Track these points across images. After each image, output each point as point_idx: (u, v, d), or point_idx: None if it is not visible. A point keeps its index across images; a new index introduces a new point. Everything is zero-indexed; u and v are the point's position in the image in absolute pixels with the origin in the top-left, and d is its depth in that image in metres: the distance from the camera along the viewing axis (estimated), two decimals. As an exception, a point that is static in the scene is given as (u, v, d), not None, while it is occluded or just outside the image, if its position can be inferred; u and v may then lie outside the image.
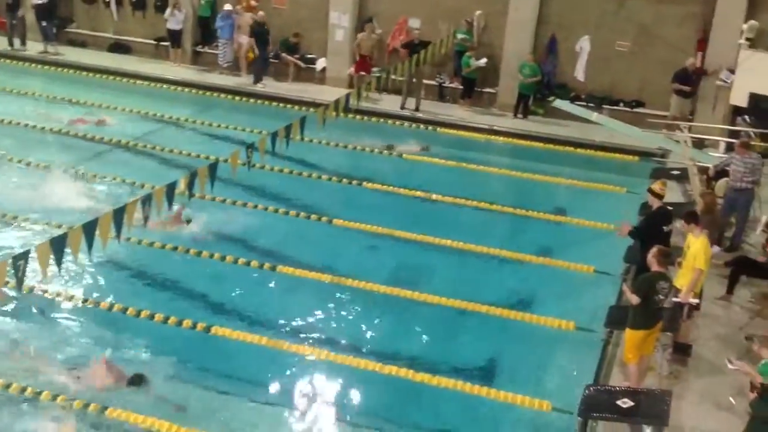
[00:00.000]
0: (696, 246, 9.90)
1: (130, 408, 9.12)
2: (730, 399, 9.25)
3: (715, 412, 9.13)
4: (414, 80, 19.53)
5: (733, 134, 16.01)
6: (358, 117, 18.41)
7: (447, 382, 9.96)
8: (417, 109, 19.79)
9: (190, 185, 10.69)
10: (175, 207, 11.88)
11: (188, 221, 13.58)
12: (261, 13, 20.88)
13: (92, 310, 11.21)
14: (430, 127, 19.18)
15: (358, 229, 13.93)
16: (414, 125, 19.31)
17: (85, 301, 11.36)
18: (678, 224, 11.15)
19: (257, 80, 20.88)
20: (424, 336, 11.22)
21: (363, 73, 20.45)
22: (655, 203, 10.87)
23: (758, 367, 7.54)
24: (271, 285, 12.26)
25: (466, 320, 11.48)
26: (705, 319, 10.97)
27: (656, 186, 10.98)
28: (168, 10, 21.77)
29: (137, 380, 9.60)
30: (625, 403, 8.15)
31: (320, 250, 13.27)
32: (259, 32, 20.74)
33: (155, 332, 10.79)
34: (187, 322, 10.84)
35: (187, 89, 20.84)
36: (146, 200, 9.82)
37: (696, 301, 10.04)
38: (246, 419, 9.33)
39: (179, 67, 22.10)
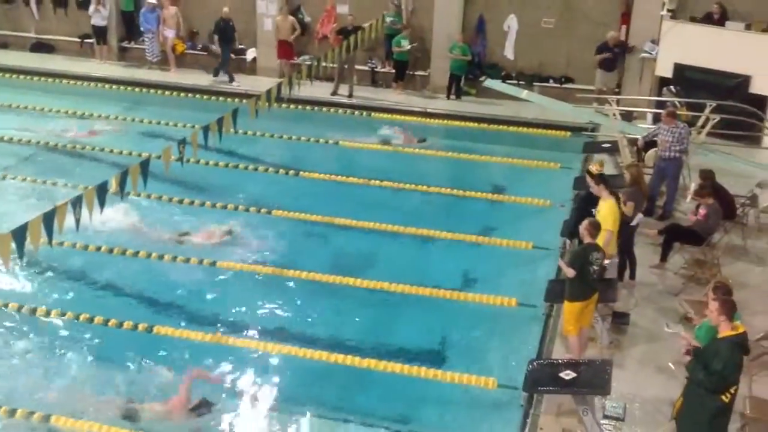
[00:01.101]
0: (604, 209, 10.05)
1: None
2: (669, 364, 9.48)
3: (655, 378, 9.37)
4: (346, 66, 19.47)
5: (660, 105, 16.36)
6: (291, 106, 18.26)
7: (393, 366, 10.03)
8: (350, 96, 19.75)
9: (122, 184, 10.48)
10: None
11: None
12: (226, 9, 20.36)
13: (26, 317, 10.99)
14: (364, 113, 19.18)
15: (298, 219, 13.89)
16: (348, 111, 19.29)
17: (20, 308, 11.10)
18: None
19: (231, 79, 20.37)
20: (368, 322, 11.26)
21: (286, 60, 20.34)
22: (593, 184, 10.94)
23: (694, 330, 7.77)
24: (213, 280, 12.14)
25: (409, 304, 11.54)
26: (641, 288, 11.24)
27: (593, 167, 11.12)
28: (92, 7, 21.28)
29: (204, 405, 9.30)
30: (568, 375, 8.28)
31: (260, 242, 13.18)
32: (224, 28, 20.28)
33: (97, 335, 10.62)
34: (128, 324, 10.69)
35: (116, 86, 20.45)
36: (76, 202, 9.59)
37: (608, 261, 10.14)
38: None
39: (106, 64, 21.64)
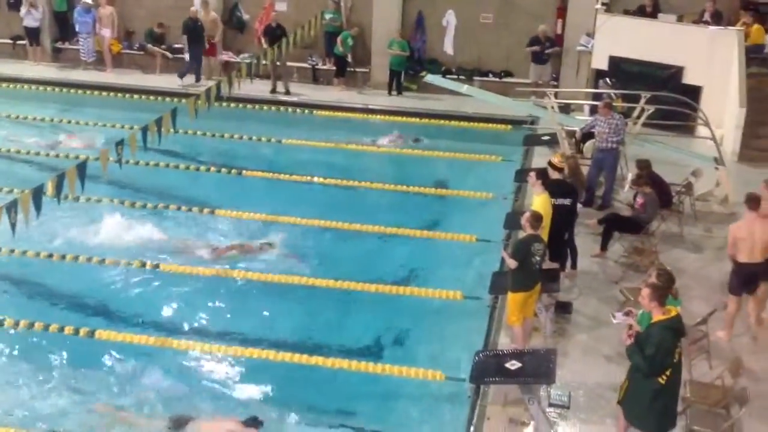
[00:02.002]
0: (536, 203, 10.26)
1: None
2: (612, 351, 9.68)
3: (599, 365, 9.54)
4: (278, 64, 19.36)
5: (597, 97, 16.66)
6: (232, 105, 18.17)
7: (340, 362, 10.02)
8: (287, 93, 19.67)
9: (59, 187, 10.29)
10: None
11: None
12: (193, 8, 20.01)
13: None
14: (306, 110, 19.12)
15: (241, 218, 13.78)
16: (290, 109, 19.21)
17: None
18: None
19: (198, 78, 19.99)
20: (314, 319, 11.22)
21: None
22: (555, 175, 11.11)
23: (637, 317, 7.93)
24: (155, 283, 11.96)
25: (355, 300, 11.55)
26: (583, 277, 11.44)
27: (554, 159, 11.25)
28: (24, 8, 20.80)
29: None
30: (513, 365, 8.36)
31: (203, 243, 13.05)
32: (193, 28, 19.90)
33: (37, 341, 10.41)
34: (69, 329, 10.49)
35: (50, 88, 20.04)
36: (11, 206, 9.39)
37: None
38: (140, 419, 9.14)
39: (40, 65, 21.18)
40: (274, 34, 19.04)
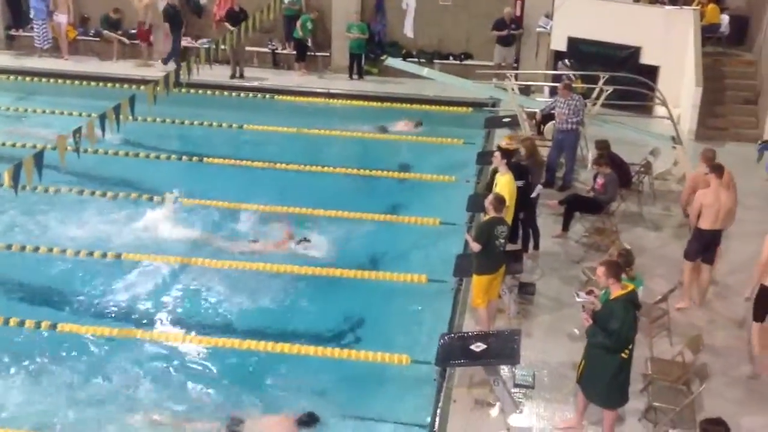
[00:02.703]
0: (501, 182, 10.36)
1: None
2: (575, 330, 9.83)
3: (562, 345, 9.68)
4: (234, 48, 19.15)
5: (556, 78, 16.77)
6: (192, 91, 17.98)
7: (307, 349, 10.04)
8: (241, 76, 19.58)
9: (15, 178, 10.09)
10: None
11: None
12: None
13: None
14: (267, 96, 18.98)
15: (204, 205, 13.69)
16: (251, 95, 19.06)
17: None
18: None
19: (179, 67, 19.58)
20: (279, 306, 11.20)
21: (145, 44, 20.05)
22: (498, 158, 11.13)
23: (600, 296, 8.06)
24: (118, 273, 11.84)
25: (319, 285, 11.55)
26: (545, 257, 11.56)
27: (503, 142, 11.28)
28: (-27, -6, 20.37)
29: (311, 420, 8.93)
30: (478, 347, 8.45)
31: (165, 232, 12.91)
32: (173, 14, 19.57)
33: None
34: (30, 323, 10.36)
35: (4, 76, 19.64)
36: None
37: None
38: (104, 411, 9.08)
39: (-8, 53, 20.78)
40: (237, 18, 18.84)
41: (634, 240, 11.63)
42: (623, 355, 7.49)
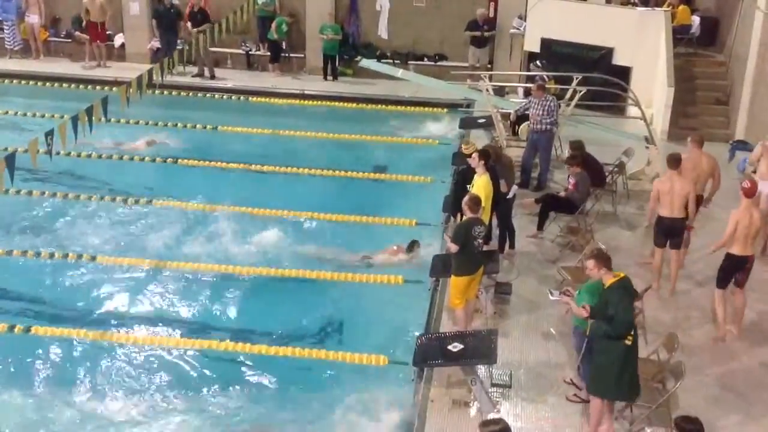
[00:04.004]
0: (477, 184, 10.38)
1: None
2: (551, 330, 9.89)
3: (539, 343, 9.72)
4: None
5: (530, 79, 16.86)
6: (165, 92, 17.88)
7: (284, 350, 10.02)
8: (213, 77, 19.53)
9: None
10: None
11: None
12: None
13: None
14: (241, 97, 18.91)
15: (178, 207, 13.62)
16: (225, 96, 18.97)
17: None
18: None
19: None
20: (254, 308, 11.18)
21: (98, 42, 19.91)
22: (472, 162, 11.17)
23: (574, 297, 8.11)
24: (92, 275, 11.75)
25: (296, 287, 11.52)
26: (521, 257, 11.61)
27: (465, 148, 11.34)
28: (-60, -5, 20.07)
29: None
30: (456, 347, 8.47)
31: (140, 235, 12.87)
32: (163, 13, 19.39)
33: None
34: (2, 326, 10.24)
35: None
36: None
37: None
38: (79, 415, 9.00)
39: (-39, 55, 20.50)
40: (195, 18, 18.87)
41: (608, 239, 11.70)
42: (627, 341, 7.51)
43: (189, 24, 19.24)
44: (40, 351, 10.07)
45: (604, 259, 7.72)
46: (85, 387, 9.48)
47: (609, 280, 7.67)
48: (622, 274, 7.74)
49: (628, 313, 7.57)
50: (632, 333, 7.58)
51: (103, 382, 9.61)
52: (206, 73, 19.55)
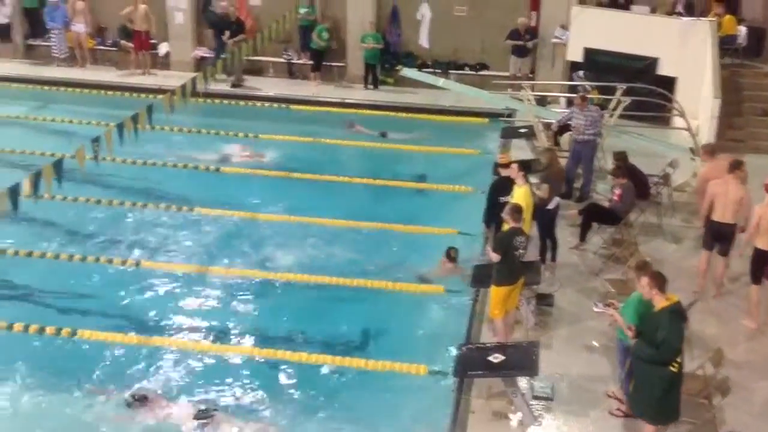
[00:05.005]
0: (517, 195, 10.33)
1: None
2: (593, 342, 9.77)
3: (581, 356, 9.62)
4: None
5: (572, 89, 16.73)
6: (208, 101, 18.09)
7: (324, 358, 10.03)
8: (240, 85, 19.66)
9: (35, 186, 10.15)
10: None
11: None
12: (223, 3, 19.77)
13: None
14: (283, 105, 19.03)
15: (220, 215, 13.71)
16: (267, 104, 19.11)
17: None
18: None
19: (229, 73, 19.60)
20: (295, 316, 11.17)
21: (144, 51, 20.16)
22: (507, 172, 11.18)
23: (619, 309, 7.99)
24: (136, 281, 11.87)
25: (336, 295, 11.52)
26: (563, 269, 11.49)
27: (497, 157, 11.29)
28: (-9, 5, 20.53)
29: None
30: (497, 358, 8.40)
31: (182, 240, 13.00)
32: (218, 22, 19.68)
33: (17, 343, 10.28)
34: (50, 329, 10.39)
35: (23, 85, 19.81)
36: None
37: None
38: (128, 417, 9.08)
39: (11, 62, 20.88)
40: (220, 27, 19.12)
41: (652, 252, 11.55)
42: (672, 368, 7.32)
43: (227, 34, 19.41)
44: (86, 354, 10.18)
45: (659, 281, 7.47)
46: (127, 389, 9.52)
47: (661, 303, 7.44)
48: (675, 298, 7.50)
49: (678, 341, 7.34)
50: (678, 359, 7.37)
51: (145, 386, 9.64)
52: (236, 80, 19.65)
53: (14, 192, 9.70)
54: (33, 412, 9.17)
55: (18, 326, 10.45)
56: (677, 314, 7.43)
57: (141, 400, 9.19)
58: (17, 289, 11.66)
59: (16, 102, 18.96)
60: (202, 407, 9.11)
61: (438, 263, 12.11)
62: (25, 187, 10.13)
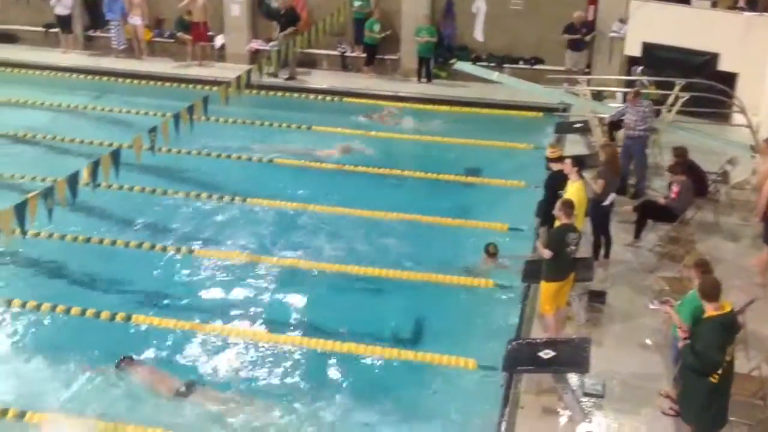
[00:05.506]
0: (570, 190, 10.19)
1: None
2: (646, 340, 9.62)
3: (633, 354, 9.47)
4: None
5: (630, 84, 16.45)
6: (262, 92, 18.23)
7: (373, 349, 10.06)
8: (293, 78, 19.69)
9: (94, 174, 10.36)
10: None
11: None
12: None
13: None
14: (336, 98, 19.09)
15: (272, 206, 13.83)
16: (320, 97, 19.18)
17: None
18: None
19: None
20: (347, 306, 11.24)
21: (202, 43, 20.31)
22: (556, 166, 11.10)
23: (675, 307, 7.84)
24: (189, 269, 12.05)
25: (386, 287, 11.55)
26: (617, 266, 11.33)
27: (547, 151, 11.19)
28: (53, -4, 20.95)
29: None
30: (547, 354, 8.33)
31: (235, 230, 13.14)
32: (278, 15, 19.89)
33: (76, 326, 10.53)
34: (105, 314, 10.61)
35: (82, 76, 20.20)
36: (48, 193, 9.48)
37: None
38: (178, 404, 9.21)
39: (71, 53, 21.32)
40: (279, 19, 19.20)
41: (710, 250, 11.29)
42: (712, 379, 7.12)
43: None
44: (138, 339, 10.39)
45: (707, 289, 7.25)
46: (178, 374, 9.69)
47: (710, 311, 7.22)
48: (728, 308, 7.25)
49: (717, 353, 7.06)
50: (720, 371, 7.11)
51: (192, 372, 9.83)
52: (287, 73, 19.73)
53: (73, 180, 9.92)
54: (86, 392, 9.39)
55: (75, 310, 10.70)
56: (723, 326, 7.14)
57: (189, 388, 9.35)
58: (74, 274, 11.94)
59: (75, 92, 19.35)
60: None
61: (481, 259, 12.05)
62: (84, 176, 10.36)
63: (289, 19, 19.54)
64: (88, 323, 10.60)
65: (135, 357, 9.82)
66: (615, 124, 14.52)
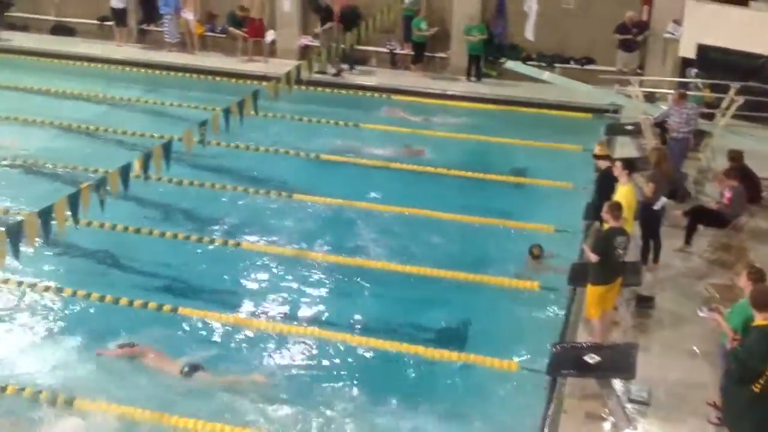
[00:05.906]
0: (619, 193, 10.04)
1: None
2: (694, 348, 9.45)
3: (680, 361, 9.31)
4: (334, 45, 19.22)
5: (683, 86, 16.18)
6: (311, 88, 18.30)
7: (416, 348, 10.03)
8: (340, 74, 19.70)
9: (145, 166, 10.52)
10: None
11: None
12: None
13: (49, 297, 11.09)
14: (384, 95, 19.10)
15: (318, 202, 13.90)
16: (369, 93, 19.21)
17: (46, 288, 11.19)
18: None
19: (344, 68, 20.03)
20: (390, 304, 11.25)
21: (257, 38, 20.41)
22: (602, 164, 10.98)
23: (725, 315, 7.69)
24: (236, 262, 12.17)
25: (430, 287, 11.52)
26: (666, 271, 11.15)
27: (596, 149, 11.06)
28: (110, -10, 21.30)
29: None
30: (592, 358, 8.23)
31: (282, 225, 13.23)
32: (347, 16, 19.92)
33: (125, 316, 10.70)
34: (152, 304, 10.77)
35: (136, 69, 20.51)
36: (101, 184, 9.65)
37: None
38: (223, 396, 9.32)
39: (125, 46, 21.66)
40: (345, 16, 19.18)
41: (763, 258, 11.03)
42: (754, 388, 6.97)
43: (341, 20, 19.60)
44: (185, 330, 10.54)
45: (757, 300, 7.10)
46: (222, 367, 9.80)
47: (759, 321, 7.08)
48: None
49: (757, 362, 6.91)
50: (761, 381, 6.92)
51: (234, 365, 9.92)
52: (336, 69, 19.77)
53: (125, 172, 10.08)
54: (129, 381, 9.56)
55: (124, 300, 10.86)
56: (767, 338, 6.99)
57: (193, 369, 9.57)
58: (124, 264, 12.12)
59: (128, 85, 19.70)
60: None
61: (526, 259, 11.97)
62: (136, 167, 10.52)
63: (327, 13, 19.59)
64: (134, 312, 10.74)
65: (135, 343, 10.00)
66: (660, 126, 14.31)
